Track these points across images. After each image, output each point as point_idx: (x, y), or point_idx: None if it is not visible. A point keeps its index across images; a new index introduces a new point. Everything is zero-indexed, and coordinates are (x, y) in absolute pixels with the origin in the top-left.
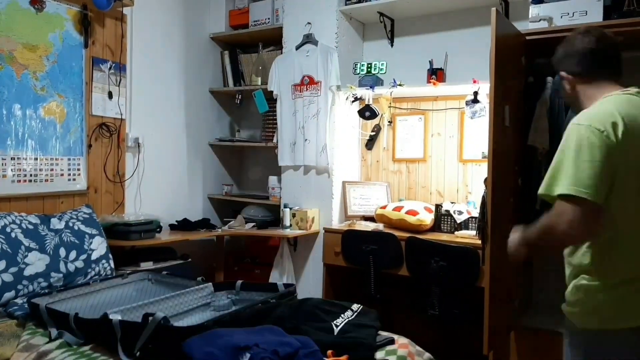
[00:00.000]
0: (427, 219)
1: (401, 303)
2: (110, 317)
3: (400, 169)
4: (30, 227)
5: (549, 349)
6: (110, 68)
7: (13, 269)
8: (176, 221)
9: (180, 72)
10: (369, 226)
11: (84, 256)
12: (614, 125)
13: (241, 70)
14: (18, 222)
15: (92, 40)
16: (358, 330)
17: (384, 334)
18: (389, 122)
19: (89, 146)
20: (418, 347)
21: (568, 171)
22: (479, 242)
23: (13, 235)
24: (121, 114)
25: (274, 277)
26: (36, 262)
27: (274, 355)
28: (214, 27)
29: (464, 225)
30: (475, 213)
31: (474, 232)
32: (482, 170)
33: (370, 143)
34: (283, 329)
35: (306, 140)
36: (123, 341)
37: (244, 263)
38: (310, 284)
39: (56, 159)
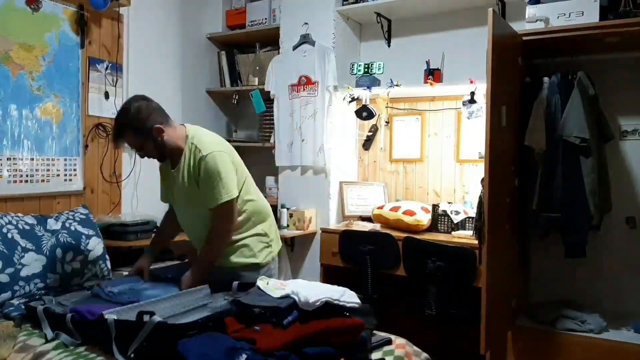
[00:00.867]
0: (424, 219)
1: (398, 303)
2: (106, 317)
3: (397, 169)
4: (27, 227)
5: (546, 348)
6: (106, 68)
7: (9, 270)
8: None
9: (177, 72)
10: (366, 226)
11: (80, 257)
12: None
13: (238, 71)
14: (14, 222)
15: (89, 40)
16: None
17: (381, 334)
18: (386, 122)
19: (86, 146)
20: (415, 347)
21: None
22: (476, 242)
23: (9, 235)
24: None
25: None
26: (33, 263)
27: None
28: (211, 27)
29: (461, 225)
30: (472, 213)
31: (470, 232)
32: (479, 171)
33: (367, 143)
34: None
35: (303, 140)
36: (118, 341)
37: None
38: None
39: (52, 160)
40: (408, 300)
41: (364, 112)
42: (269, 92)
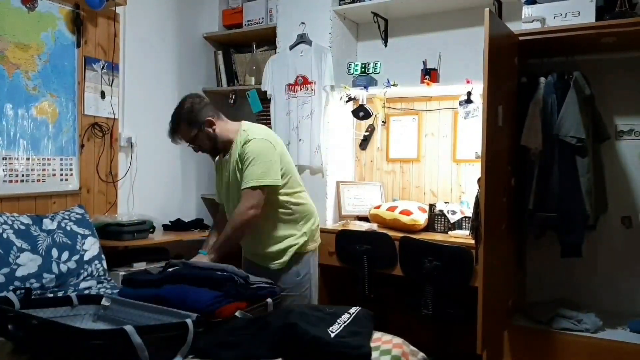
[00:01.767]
0: (421, 218)
1: (395, 303)
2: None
3: (394, 169)
4: (22, 227)
5: (542, 347)
6: (102, 67)
7: (5, 270)
8: (169, 221)
9: (174, 71)
10: (363, 226)
11: (76, 257)
12: None
13: (235, 70)
14: (10, 222)
15: (85, 40)
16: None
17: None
18: (382, 122)
19: (82, 146)
20: (412, 347)
21: None
22: (473, 241)
23: (5, 235)
24: (114, 114)
25: None
26: (28, 263)
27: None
28: (208, 27)
29: (458, 225)
30: (469, 213)
31: (467, 232)
32: (476, 170)
33: (364, 143)
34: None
35: (300, 140)
36: None
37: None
38: None
39: (48, 159)
40: (405, 299)
41: (360, 112)
42: (265, 91)
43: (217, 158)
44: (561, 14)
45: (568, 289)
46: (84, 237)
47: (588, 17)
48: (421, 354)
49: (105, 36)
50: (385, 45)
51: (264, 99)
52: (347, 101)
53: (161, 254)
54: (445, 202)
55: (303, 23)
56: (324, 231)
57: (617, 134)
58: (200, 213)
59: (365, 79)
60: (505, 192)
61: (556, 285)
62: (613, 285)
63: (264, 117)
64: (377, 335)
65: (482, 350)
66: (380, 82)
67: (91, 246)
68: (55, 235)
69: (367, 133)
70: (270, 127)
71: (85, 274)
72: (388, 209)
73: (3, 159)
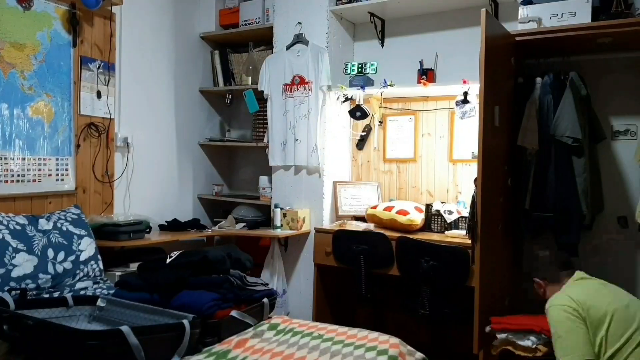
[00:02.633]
0: (418, 218)
1: (392, 303)
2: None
3: (391, 169)
4: (18, 227)
5: None
6: (99, 67)
7: (0, 271)
8: (166, 222)
9: (170, 71)
10: (360, 226)
11: (72, 257)
12: None
13: (231, 70)
14: (5, 222)
15: (81, 39)
16: None
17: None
18: (379, 122)
19: (78, 146)
20: (409, 347)
21: None
22: (469, 241)
23: (0, 236)
24: (110, 114)
25: (265, 277)
26: (24, 264)
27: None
28: (204, 27)
29: (454, 225)
30: (465, 213)
31: (464, 232)
32: (472, 170)
33: (361, 143)
34: None
35: (297, 140)
36: None
37: None
38: (301, 284)
39: (44, 159)
40: (401, 299)
41: (357, 112)
42: (262, 91)
43: None
44: (557, 15)
45: None
46: (80, 237)
47: (584, 17)
48: (419, 354)
49: (101, 36)
50: (382, 46)
51: (261, 98)
52: (343, 101)
53: (157, 254)
54: (442, 202)
55: (300, 23)
56: (320, 231)
57: (613, 134)
58: (197, 213)
59: (362, 79)
60: (501, 192)
61: None
62: None
63: (260, 117)
64: (374, 335)
65: (479, 350)
66: (377, 82)
67: (87, 246)
68: (51, 236)
69: (364, 133)
70: (266, 127)
71: (82, 274)
72: (385, 209)
73: None
